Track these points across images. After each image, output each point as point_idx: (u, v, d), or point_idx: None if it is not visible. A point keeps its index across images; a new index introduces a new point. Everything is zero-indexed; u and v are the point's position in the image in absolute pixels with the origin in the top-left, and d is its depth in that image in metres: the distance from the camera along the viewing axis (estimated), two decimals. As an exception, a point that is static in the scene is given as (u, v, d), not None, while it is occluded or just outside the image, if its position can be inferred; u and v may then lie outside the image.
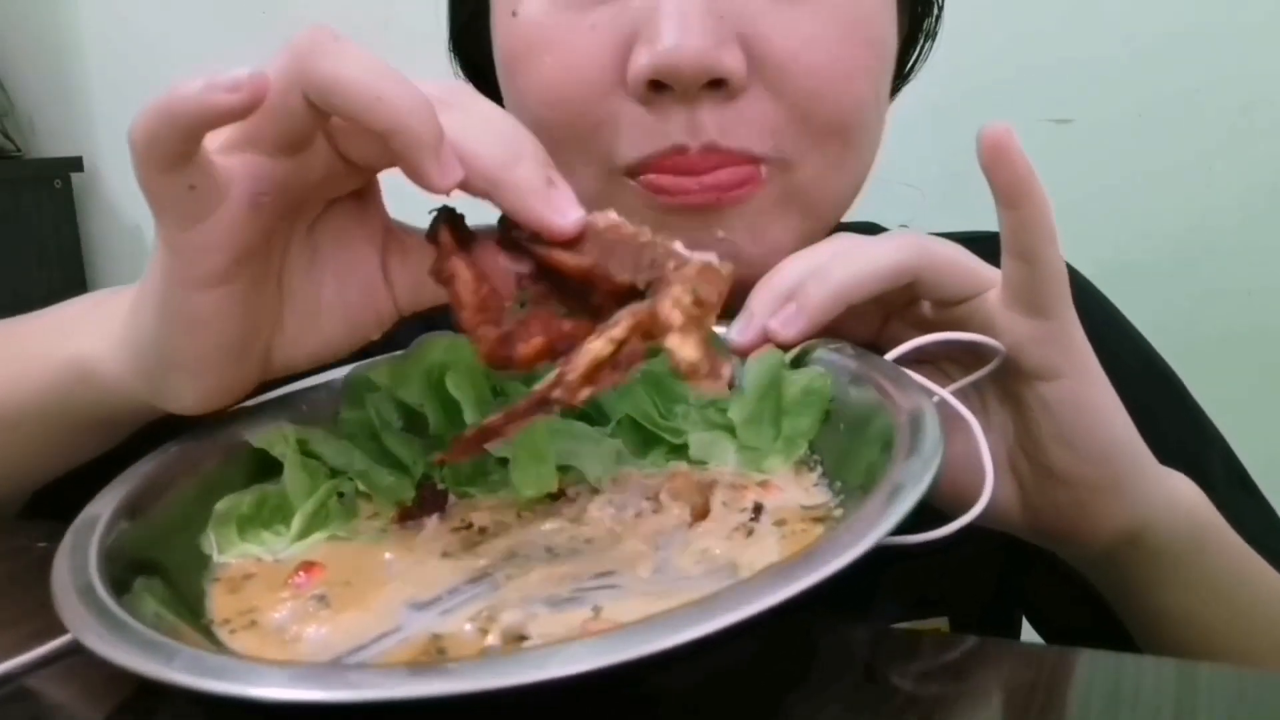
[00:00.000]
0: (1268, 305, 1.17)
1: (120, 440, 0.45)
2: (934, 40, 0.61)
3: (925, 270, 0.42)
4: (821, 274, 0.42)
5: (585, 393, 0.34)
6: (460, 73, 0.63)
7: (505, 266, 0.39)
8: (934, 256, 0.42)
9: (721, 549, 0.36)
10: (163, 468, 0.39)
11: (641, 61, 0.47)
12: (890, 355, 0.42)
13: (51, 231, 1.84)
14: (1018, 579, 0.62)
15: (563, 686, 0.25)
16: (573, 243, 0.38)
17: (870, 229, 0.69)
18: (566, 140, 0.50)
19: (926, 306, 0.44)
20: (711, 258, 0.37)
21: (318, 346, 0.41)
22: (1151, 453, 0.46)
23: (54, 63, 1.81)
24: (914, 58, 0.61)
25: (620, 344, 0.35)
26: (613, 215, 0.39)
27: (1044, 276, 0.41)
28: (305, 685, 0.26)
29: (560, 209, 0.37)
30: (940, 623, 0.59)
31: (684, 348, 0.35)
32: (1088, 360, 0.43)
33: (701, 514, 0.38)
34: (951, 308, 0.43)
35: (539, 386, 0.35)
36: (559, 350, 0.37)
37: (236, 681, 0.26)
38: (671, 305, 0.36)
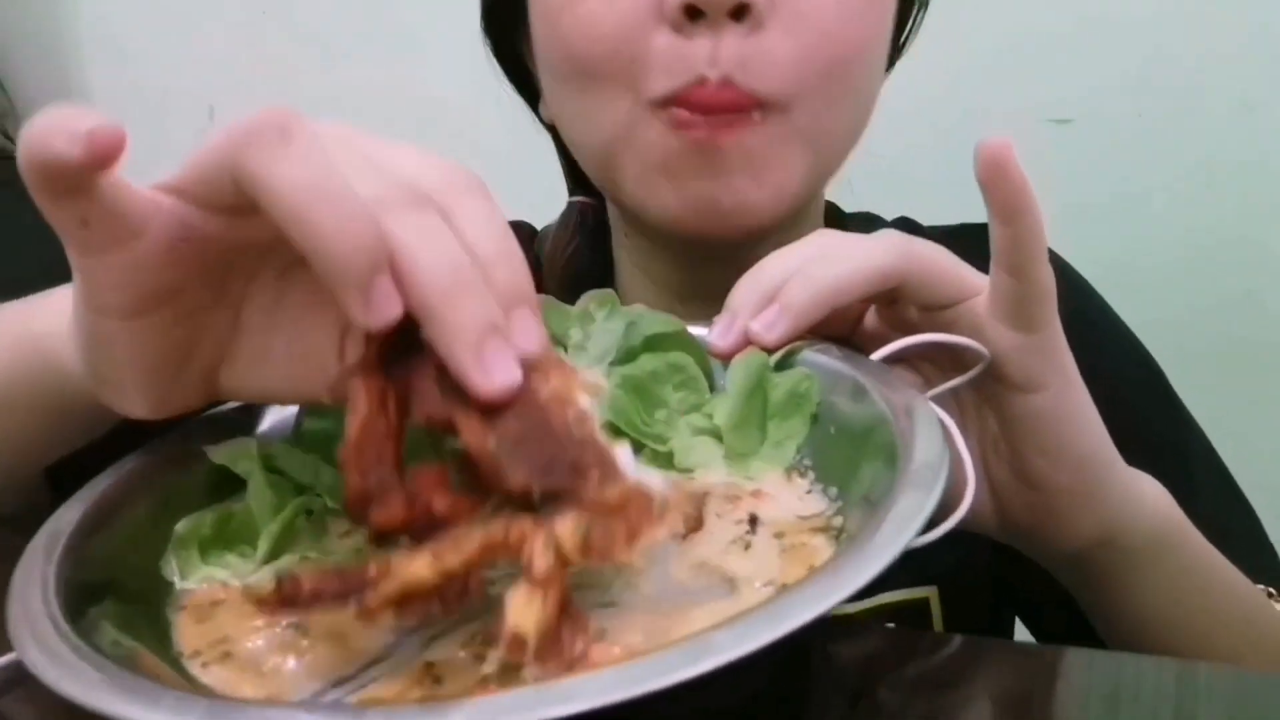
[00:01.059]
0: (1267, 305, 1.17)
1: (108, 427, 0.43)
2: (925, 10, 0.64)
3: (911, 274, 0.42)
4: (806, 274, 0.41)
5: (387, 617, 0.29)
6: (492, 57, 0.67)
7: (435, 397, 0.32)
8: (920, 260, 0.42)
9: (719, 563, 0.35)
10: (120, 484, 0.38)
11: None
12: (876, 355, 0.41)
13: (51, 231, 1.83)
14: (1009, 580, 0.62)
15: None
16: (499, 405, 0.32)
17: (869, 220, 0.70)
18: (604, 73, 0.54)
19: (910, 309, 0.44)
20: (654, 481, 0.32)
21: (265, 388, 0.39)
22: (1133, 448, 0.46)
23: (54, 63, 1.81)
24: (909, 28, 0.64)
25: (452, 577, 0.29)
26: (578, 397, 0.33)
27: (1034, 291, 0.41)
28: None
29: (489, 368, 0.31)
30: (929, 592, 0.59)
31: (522, 610, 0.28)
32: (1070, 371, 0.43)
33: (695, 525, 0.37)
34: (936, 312, 0.43)
35: (351, 569, 0.30)
36: (415, 530, 0.31)
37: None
38: (544, 545, 0.29)
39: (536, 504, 0.31)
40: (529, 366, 0.32)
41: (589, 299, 0.45)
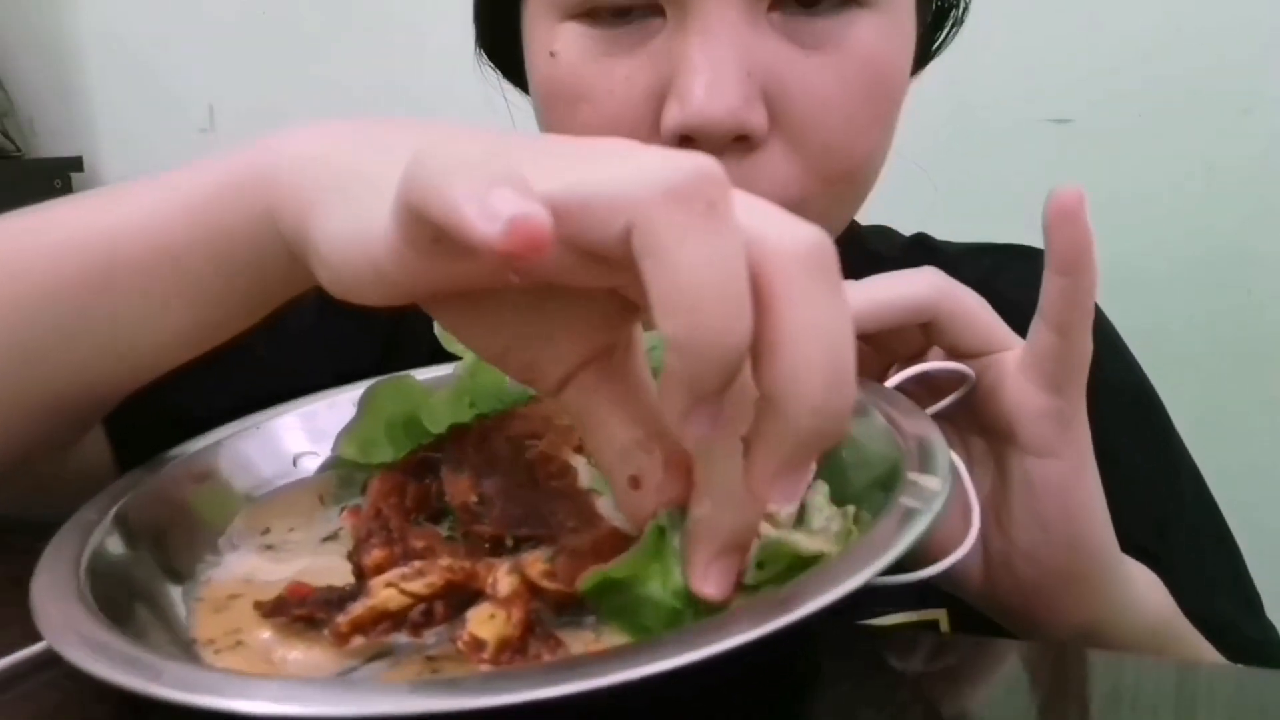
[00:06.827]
0: (1267, 305, 1.17)
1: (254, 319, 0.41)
2: (960, 25, 0.61)
3: (945, 313, 0.42)
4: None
5: (356, 641, 0.31)
6: (488, 63, 0.63)
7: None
8: (958, 301, 0.42)
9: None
10: (157, 483, 0.40)
11: (674, 117, 0.48)
12: (889, 383, 0.42)
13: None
14: None
15: (580, 702, 0.24)
16: (488, 460, 0.36)
17: (884, 234, 0.70)
18: None
19: (935, 355, 0.44)
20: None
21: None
22: (1117, 473, 0.45)
23: (54, 63, 1.81)
24: (938, 43, 0.62)
25: (418, 600, 0.31)
26: (567, 454, 0.36)
27: (1071, 353, 0.40)
28: (294, 700, 0.26)
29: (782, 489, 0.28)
30: (939, 614, 0.59)
31: (482, 623, 0.29)
32: (1085, 450, 0.43)
33: None
34: (964, 360, 0.43)
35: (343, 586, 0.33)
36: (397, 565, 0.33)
37: (224, 696, 0.26)
38: (507, 572, 0.31)
39: (510, 550, 0.33)
40: (520, 430, 0.36)
41: None
